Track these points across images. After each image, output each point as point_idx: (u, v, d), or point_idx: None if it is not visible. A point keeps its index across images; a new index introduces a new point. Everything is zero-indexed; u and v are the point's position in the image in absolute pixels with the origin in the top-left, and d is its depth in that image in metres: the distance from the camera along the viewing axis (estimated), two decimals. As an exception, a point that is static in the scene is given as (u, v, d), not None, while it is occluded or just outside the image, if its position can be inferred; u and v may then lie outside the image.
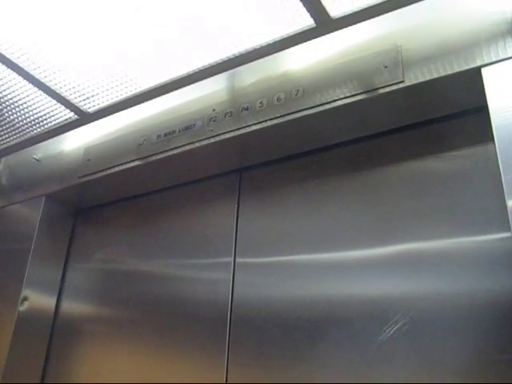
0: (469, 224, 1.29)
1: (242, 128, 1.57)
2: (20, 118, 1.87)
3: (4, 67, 1.62)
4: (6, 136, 1.98)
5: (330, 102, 1.43)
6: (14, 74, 1.64)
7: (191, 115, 1.71)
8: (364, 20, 1.35)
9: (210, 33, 1.45)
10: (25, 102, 1.79)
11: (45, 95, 1.72)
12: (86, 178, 1.92)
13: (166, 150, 1.72)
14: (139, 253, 1.91)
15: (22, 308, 1.88)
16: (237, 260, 1.64)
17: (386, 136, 1.50)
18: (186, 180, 1.88)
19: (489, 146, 1.29)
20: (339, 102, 1.41)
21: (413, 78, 1.32)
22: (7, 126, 1.93)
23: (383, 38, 1.42)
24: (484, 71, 1.24)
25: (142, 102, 1.72)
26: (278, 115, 1.50)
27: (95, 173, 1.89)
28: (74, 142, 2.04)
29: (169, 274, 1.80)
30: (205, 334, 1.59)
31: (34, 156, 2.13)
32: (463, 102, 1.36)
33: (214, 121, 1.64)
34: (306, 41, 1.41)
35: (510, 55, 1.21)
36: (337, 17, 1.33)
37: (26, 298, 1.90)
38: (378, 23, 1.42)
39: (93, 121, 1.83)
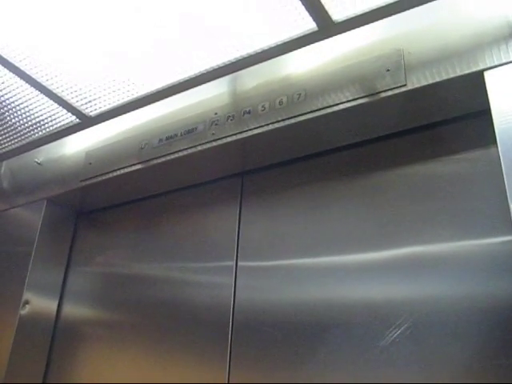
0: (471, 227, 1.28)
1: (243, 132, 1.57)
2: (22, 122, 1.87)
3: (6, 70, 1.62)
4: (8, 139, 1.98)
5: (332, 106, 1.42)
6: (16, 77, 1.64)
7: (193, 119, 1.71)
8: (366, 24, 1.35)
9: (212, 36, 1.45)
10: (26, 106, 1.79)
11: (46, 99, 1.72)
12: (88, 182, 1.92)
13: (168, 154, 1.71)
14: (141, 256, 1.91)
15: (24, 311, 1.88)
16: (239, 264, 1.64)
17: (389, 140, 1.50)
18: (188, 184, 1.88)
19: (491, 150, 1.29)
20: (341, 106, 1.41)
21: (415, 82, 1.32)
22: (9, 129, 1.93)
23: (385, 42, 1.42)
24: (486, 75, 1.23)
25: (144, 105, 1.72)
26: (279, 119, 1.50)
27: (97, 176, 1.89)
28: (76, 146, 2.04)
29: (170, 277, 1.80)
30: (207, 338, 1.59)
31: (36, 159, 2.13)
32: (466, 106, 1.36)
33: (215, 124, 1.64)
34: (308, 44, 1.41)
35: (512, 59, 1.21)
36: (339, 20, 1.33)
37: (27, 302, 1.90)
38: (381, 27, 1.42)
39: (94, 124, 1.83)
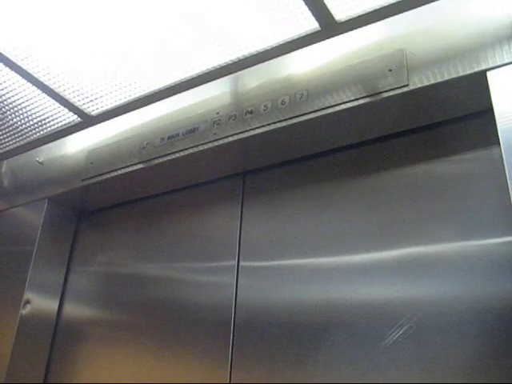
0: (474, 228, 1.28)
1: (245, 131, 1.56)
2: (23, 121, 1.88)
3: (7, 69, 1.62)
4: (9, 138, 1.99)
5: (335, 106, 1.42)
6: (18, 76, 1.64)
7: (195, 118, 1.70)
8: (369, 23, 1.36)
9: (215, 36, 1.45)
10: (28, 105, 1.79)
11: (48, 98, 1.73)
12: (89, 181, 1.92)
13: (170, 153, 1.71)
14: (142, 256, 1.91)
15: (25, 311, 1.88)
16: (240, 263, 1.64)
17: (391, 140, 1.50)
18: (190, 183, 1.88)
19: (494, 150, 1.29)
20: (343, 106, 1.41)
21: (417, 82, 1.32)
22: (10, 128, 1.93)
23: (388, 42, 1.41)
24: (489, 75, 1.23)
25: (146, 104, 1.72)
26: (282, 118, 1.50)
27: (98, 176, 1.89)
28: (77, 145, 2.04)
29: (172, 277, 1.79)
30: (208, 338, 1.58)
31: (37, 159, 2.13)
32: (468, 106, 1.36)
33: (217, 124, 1.63)
34: (310, 44, 1.42)
35: (515, 59, 1.21)
36: (342, 20, 1.33)
37: (28, 301, 1.89)
38: (383, 27, 1.42)
39: (96, 123, 1.84)
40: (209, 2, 1.36)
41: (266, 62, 1.49)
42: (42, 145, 1.99)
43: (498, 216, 1.24)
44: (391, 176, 1.47)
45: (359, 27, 1.36)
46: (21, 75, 1.63)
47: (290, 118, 1.48)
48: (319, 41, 1.40)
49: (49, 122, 1.85)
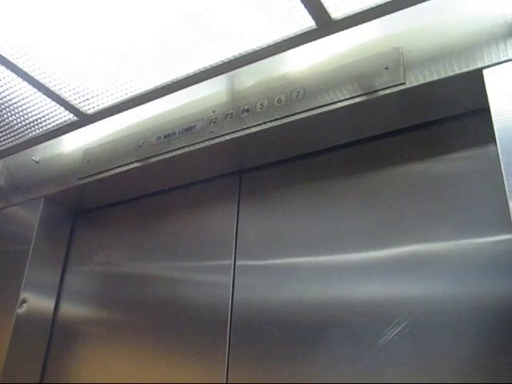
0: (471, 226, 1.28)
1: (242, 130, 1.56)
2: (19, 120, 1.87)
3: (3, 68, 1.61)
4: (5, 138, 1.98)
5: (331, 104, 1.42)
6: (13, 74, 1.63)
7: (191, 117, 1.70)
8: (365, 22, 1.35)
9: (211, 34, 1.45)
10: (24, 104, 1.78)
11: (44, 96, 1.72)
12: (85, 180, 1.91)
13: (166, 152, 1.71)
14: (138, 255, 1.91)
15: (21, 310, 1.87)
16: (237, 262, 1.63)
17: (387, 138, 1.50)
18: (186, 182, 1.88)
19: (490, 148, 1.29)
20: (340, 104, 1.41)
21: (414, 80, 1.32)
22: (6, 127, 1.92)
23: (384, 40, 1.42)
24: (485, 73, 1.23)
25: (142, 103, 1.71)
26: (278, 117, 1.50)
27: (94, 175, 1.89)
28: (73, 144, 2.04)
29: (168, 276, 1.79)
30: (205, 337, 1.58)
31: (33, 158, 2.12)
32: (465, 104, 1.36)
33: (214, 122, 1.63)
34: (306, 42, 1.41)
35: (511, 57, 1.21)
36: (338, 18, 1.33)
37: (24, 301, 1.89)
38: (379, 25, 1.42)
39: (92, 122, 1.83)
40: (205, 1, 1.35)
41: (263, 61, 1.49)
42: (37, 144, 1.98)
43: (495, 214, 1.24)
44: (388, 174, 1.47)
45: (355, 25, 1.35)
46: (16, 74, 1.62)
47: (287, 117, 1.48)
48: (315, 39, 1.40)
49: (44, 120, 1.84)
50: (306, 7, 1.29)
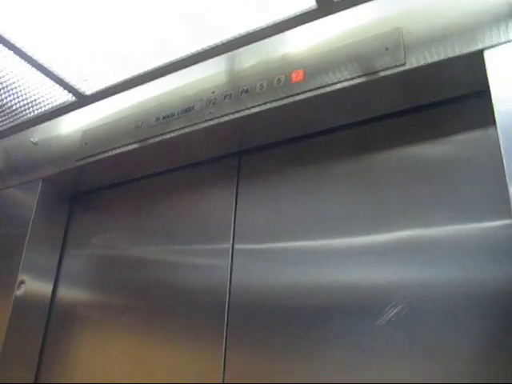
0: (469, 210, 1.28)
1: (241, 111, 1.55)
2: (16, 100, 1.86)
3: (1, 47, 1.60)
4: (3, 118, 1.97)
5: (331, 85, 1.41)
6: (11, 53, 1.62)
7: (190, 97, 1.69)
8: (365, 2, 1.35)
9: (210, 14, 1.44)
10: (21, 84, 1.77)
11: (42, 76, 1.71)
12: (84, 162, 1.90)
13: (165, 133, 1.70)
14: (136, 238, 1.91)
15: (19, 292, 1.87)
16: (235, 246, 1.63)
17: (387, 119, 1.49)
18: (185, 163, 1.87)
19: (490, 131, 1.28)
20: (340, 85, 1.40)
21: (414, 61, 1.31)
22: (3, 108, 1.92)
23: (385, 21, 1.40)
24: (486, 54, 1.22)
25: (141, 84, 1.71)
26: (277, 98, 1.49)
27: (93, 156, 1.88)
28: (72, 125, 2.02)
29: (166, 259, 1.79)
30: (203, 321, 1.59)
31: (31, 139, 2.11)
32: (465, 86, 1.35)
33: (213, 103, 1.62)
34: (306, 22, 1.41)
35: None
36: (339, -2, 1.32)
37: (22, 282, 1.89)
38: (380, 5, 1.41)
39: (90, 103, 1.83)
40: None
41: (262, 41, 1.48)
42: (35, 124, 1.97)
43: (494, 198, 1.23)
44: (387, 157, 1.47)
45: (356, 5, 1.35)
46: (14, 52, 1.61)
47: (286, 97, 1.47)
48: (316, 19, 1.39)
49: (43, 101, 1.84)
50: (306, -14, 1.29)
